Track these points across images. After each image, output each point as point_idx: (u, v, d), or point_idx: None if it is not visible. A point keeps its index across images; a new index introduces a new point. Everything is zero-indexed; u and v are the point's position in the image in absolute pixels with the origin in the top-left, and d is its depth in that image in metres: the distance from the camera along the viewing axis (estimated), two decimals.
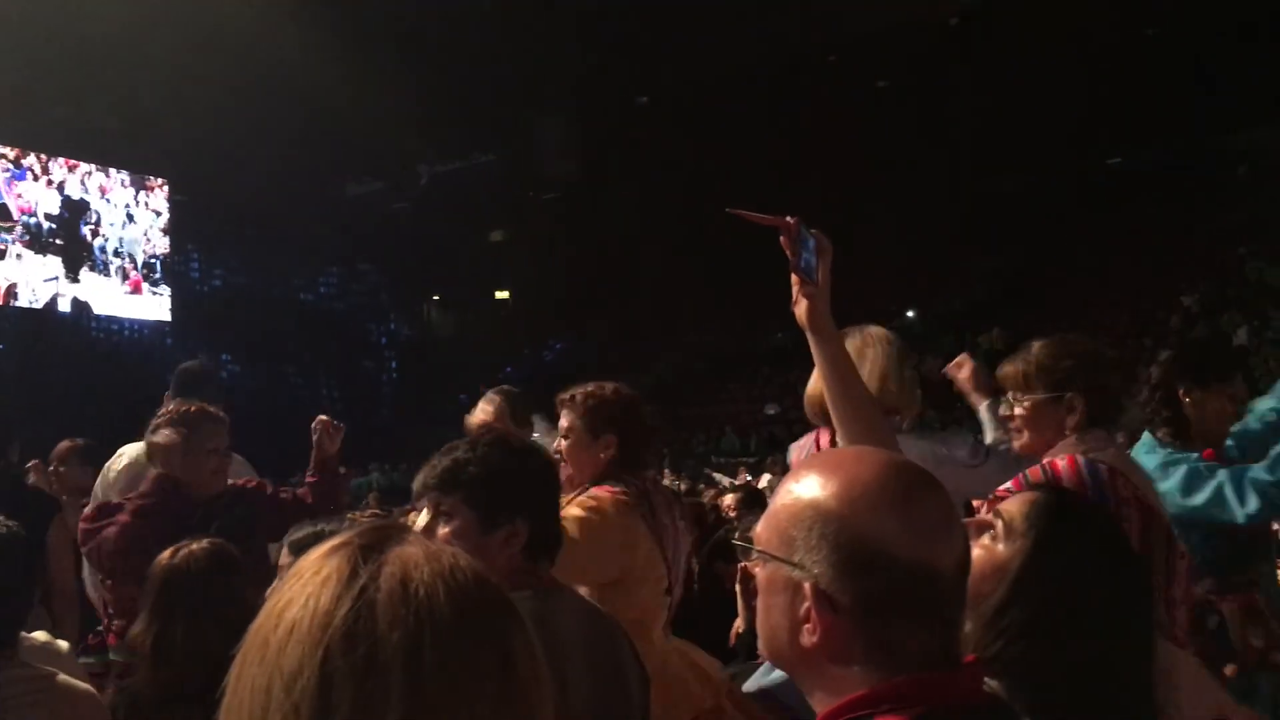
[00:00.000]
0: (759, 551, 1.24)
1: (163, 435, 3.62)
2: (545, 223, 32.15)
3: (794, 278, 1.99)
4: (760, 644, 1.26)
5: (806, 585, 1.16)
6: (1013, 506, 1.64)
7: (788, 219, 1.97)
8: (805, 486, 1.21)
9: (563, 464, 2.92)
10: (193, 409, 3.71)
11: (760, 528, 1.25)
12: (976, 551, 1.57)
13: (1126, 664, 1.51)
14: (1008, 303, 26.71)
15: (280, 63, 21.11)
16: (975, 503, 2.56)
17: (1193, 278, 24.05)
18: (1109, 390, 2.59)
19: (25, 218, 24.81)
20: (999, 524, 1.62)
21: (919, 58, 25.90)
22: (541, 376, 36.08)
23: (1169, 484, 3.05)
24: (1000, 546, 1.60)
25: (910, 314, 28.36)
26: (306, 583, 0.90)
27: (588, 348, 34.69)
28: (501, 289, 38.04)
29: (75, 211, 25.93)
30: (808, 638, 1.16)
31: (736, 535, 3.23)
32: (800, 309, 2.00)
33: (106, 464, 4.44)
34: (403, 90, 22.65)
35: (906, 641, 1.15)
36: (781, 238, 1.97)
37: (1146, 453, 3.22)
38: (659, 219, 29.46)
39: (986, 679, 1.32)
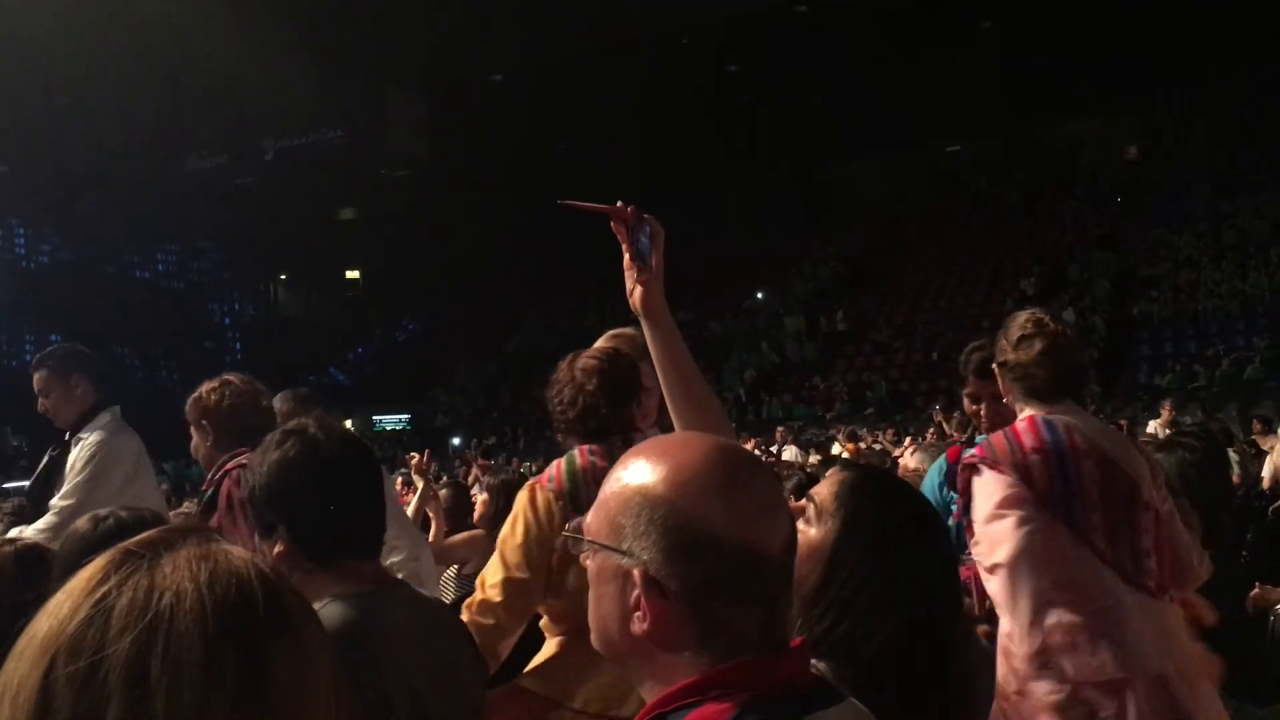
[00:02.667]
0: (588, 542, 1.22)
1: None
2: (397, 201, 31.52)
3: (626, 266, 1.98)
4: (593, 637, 1.24)
5: (635, 572, 1.15)
6: (824, 488, 1.67)
7: (620, 205, 1.96)
8: (633, 473, 1.20)
9: None
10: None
11: (590, 517, 1.23)
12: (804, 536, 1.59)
13: (938, 634, 1.55)
14: (853, 285, 27.51)
15: (116, 27, 20.04)
16: None
17: (1030, 263, 25.20)
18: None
19: None
20: (810, 507, 1.64)
21: (767, 43, 26.36)
22: (394, 357, 35.54)
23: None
24: (813, 529, 1.62)
25: (760, 295, 28.94)
26: (64, 590, 0.86)
27: (442, 328, 34.25)
28: (352, 268, 37.21)
29: None
30: (638, 625, 1.15)
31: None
32: (635, 297, 1.99)
33: None
34: (247, 61, 21.78)
35: (735, 626, 1.15)
36: (613, 224, 1.96)
37: None
38: (513, 198, 29.23)
39: (814, 660, 1.35)
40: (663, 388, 2.06)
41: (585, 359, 3.02)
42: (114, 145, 25.54)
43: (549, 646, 2.59)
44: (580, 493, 2.82)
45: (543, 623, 2.59)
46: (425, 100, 29.62)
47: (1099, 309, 22.38)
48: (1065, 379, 2.73)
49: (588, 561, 1.23)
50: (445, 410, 29.26)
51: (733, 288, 28.55)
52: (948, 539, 1.72)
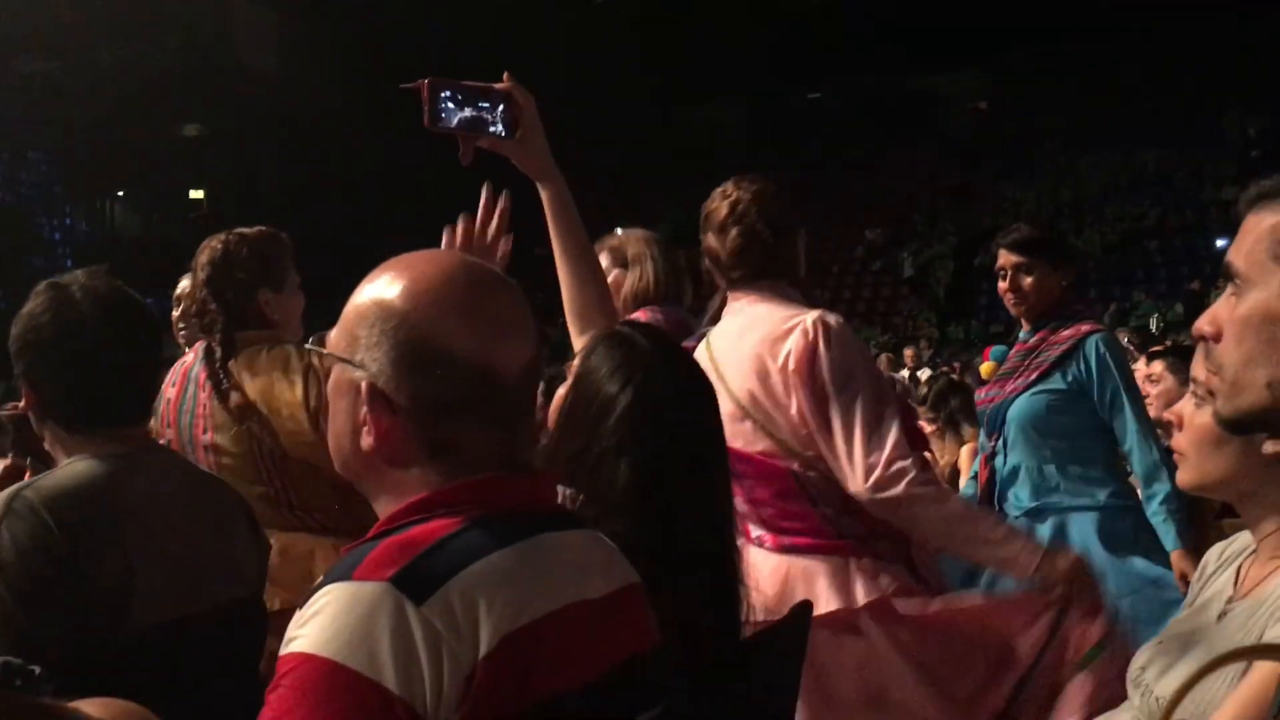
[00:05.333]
0: (326, 354, 1.21)
1: None
2: (246, 117, 30.12)
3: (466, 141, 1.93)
4: (332, 457, 1.22)
5: (364, 385, 1.13)
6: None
7: (419, 81, 1.88)
8: (374, 287, 1.18)
9: None
10: None
11: (333, 331, 1.22)
12: (560, 391, 1.66)
13: (688, 498, 1.52)
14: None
15: None
16: None
17: (879, 212, 25.84)
18: None
19: None
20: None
21: None
22: None
23: None
24: (567, 385, 1.66)
25: (619, 231, 28.91)
26: None
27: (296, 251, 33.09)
28: (196, 187, 35.56)
29: None
30: (366, 440, 1.13)
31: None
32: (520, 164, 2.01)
33: None
34: None
35: (466, 444, 1.13)
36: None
37: None
38: (370, 115, 28.26)
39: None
40: (554, 243, 2.09)
41: (208, 246, 2.92)
42: None
43: None
44: (168, 389, 2.81)
45: None
46: (275, 11, 28.29)
47: (941, 259, 23.17)
48: (753, 259, 2.41)
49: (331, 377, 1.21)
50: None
51: (592, 224, 28.47)
52: (705, 393, 1.65)
